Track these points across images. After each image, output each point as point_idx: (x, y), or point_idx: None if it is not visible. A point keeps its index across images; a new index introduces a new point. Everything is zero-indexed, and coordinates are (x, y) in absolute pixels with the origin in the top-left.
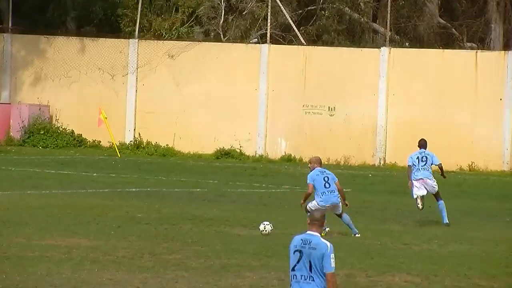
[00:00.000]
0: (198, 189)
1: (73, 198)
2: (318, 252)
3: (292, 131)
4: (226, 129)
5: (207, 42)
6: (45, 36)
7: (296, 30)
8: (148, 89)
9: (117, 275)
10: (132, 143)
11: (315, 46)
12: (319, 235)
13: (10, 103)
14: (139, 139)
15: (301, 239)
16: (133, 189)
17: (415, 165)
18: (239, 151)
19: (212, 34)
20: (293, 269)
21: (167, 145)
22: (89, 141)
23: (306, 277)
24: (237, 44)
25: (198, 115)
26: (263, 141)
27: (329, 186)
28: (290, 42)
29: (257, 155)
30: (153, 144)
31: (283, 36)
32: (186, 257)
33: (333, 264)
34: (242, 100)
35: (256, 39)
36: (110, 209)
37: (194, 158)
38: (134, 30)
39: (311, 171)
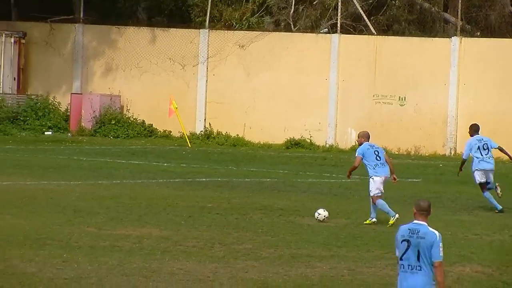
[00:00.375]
0: (268, 179)
1: (144, 188)
2: (427, 241)
3: (362, 121)
4: (296, 119)
5: (277, 32)
6: (116, 26)
7: (367, 20)
8: (218, 79)
9: (188, 265)
10: (202, 133)
11: (386, 36)
12: (426, 224)
13: (81, 93)
14: (209, 129)
15: (409, 229)
16: (204, 179)
17: (479, 156)
18: (309, 141)
19: (283, 24)
20: (401, 259)
21: (237, 135)
22: (160, 131)
23: (413, 267)
24: (307, 34)
25: (268, 105)
26: (333, 131)
27: (380, 159)
28: (360, 32)
29: (327, 145)
30: (223, 134)
31: (353, 26)
32: (256, 247)
33: (441, 253)
34: (312, 90)
35: (327, 29)
36: (181, 199)
37: (264, 148)
38: (205, 20)
39: (359, 145)
